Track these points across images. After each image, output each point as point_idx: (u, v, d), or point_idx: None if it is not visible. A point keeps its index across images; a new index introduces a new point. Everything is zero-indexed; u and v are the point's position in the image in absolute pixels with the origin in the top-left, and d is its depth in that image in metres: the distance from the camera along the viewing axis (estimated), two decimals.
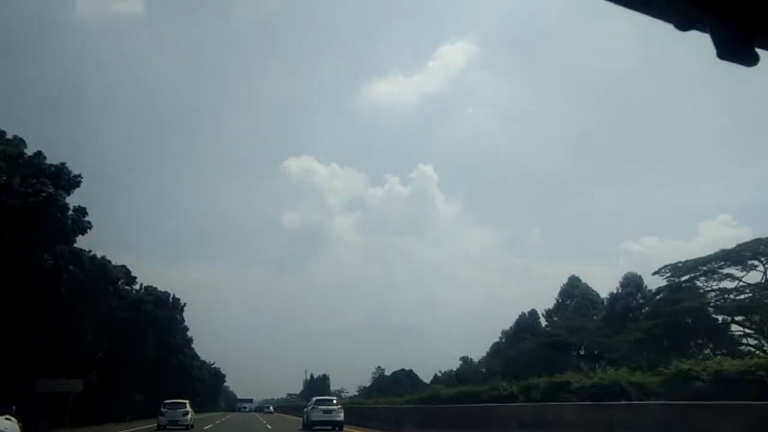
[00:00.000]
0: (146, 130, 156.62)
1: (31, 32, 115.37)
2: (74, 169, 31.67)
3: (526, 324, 77.70)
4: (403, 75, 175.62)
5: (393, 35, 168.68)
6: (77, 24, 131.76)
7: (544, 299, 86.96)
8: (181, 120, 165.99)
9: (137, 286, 50.05)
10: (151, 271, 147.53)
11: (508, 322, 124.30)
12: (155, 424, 32.72)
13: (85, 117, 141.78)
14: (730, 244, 42.60)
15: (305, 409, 34.15)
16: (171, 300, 56.09)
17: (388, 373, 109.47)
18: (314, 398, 34.69)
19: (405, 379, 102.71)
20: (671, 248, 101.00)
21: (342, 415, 30.54)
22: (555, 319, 61.41)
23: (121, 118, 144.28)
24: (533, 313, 78.08)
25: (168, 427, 31.27)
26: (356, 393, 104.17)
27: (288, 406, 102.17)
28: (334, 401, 32.91)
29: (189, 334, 69.03)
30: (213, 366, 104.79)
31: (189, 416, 32.65)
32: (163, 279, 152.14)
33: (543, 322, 77.34)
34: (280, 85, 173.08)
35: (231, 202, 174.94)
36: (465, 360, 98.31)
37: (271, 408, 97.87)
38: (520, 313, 78.03)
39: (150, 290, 51.41)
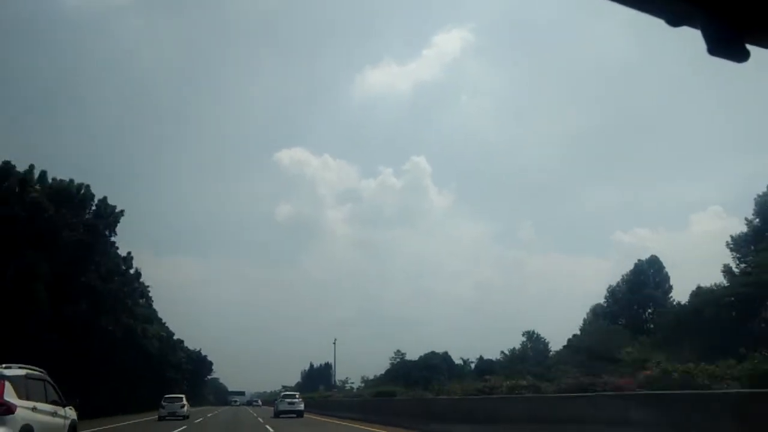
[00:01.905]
0: (136, 122, 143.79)
1: (14, 21, 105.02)
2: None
3: (645, 277, 54.46)
4: (396, 63, 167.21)
5: (387, 23, 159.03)
6: (67, 12, 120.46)
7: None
8: (172, 112, 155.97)
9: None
10: (138, 264, 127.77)
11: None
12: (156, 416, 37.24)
13: (72, 109, 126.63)
14: (722, 236, 36.71)
15: (275, 402, 44.94)
16: (95, 204, 29.49)
17: (412, 357, 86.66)
18: (281, 393, 49.80)
19: (441, 363, 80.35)
20: (664, 239, 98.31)
21: (302, 405, 40.00)
22: (754, 250, 37.57)
23: (110, 110, 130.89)
24: (654, 261, 54.73)
25: (167, 418, 35.98)
26: (361, 384, 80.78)
27: None
28: (297, 396, 42.68)
29: (144, 281, 44.42)
30: (197, 351, 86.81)
31: (185, 408, 38.01)
32: (152, 272, 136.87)
33: (669, 270, 54.41)
34: (272, 75, 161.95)
35: (223, 194, 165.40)
36: (530, 336, 75.08)
37: (260, 401, 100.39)
38: (636, 261, 54.88)
39: (55, 184, 26.51)
